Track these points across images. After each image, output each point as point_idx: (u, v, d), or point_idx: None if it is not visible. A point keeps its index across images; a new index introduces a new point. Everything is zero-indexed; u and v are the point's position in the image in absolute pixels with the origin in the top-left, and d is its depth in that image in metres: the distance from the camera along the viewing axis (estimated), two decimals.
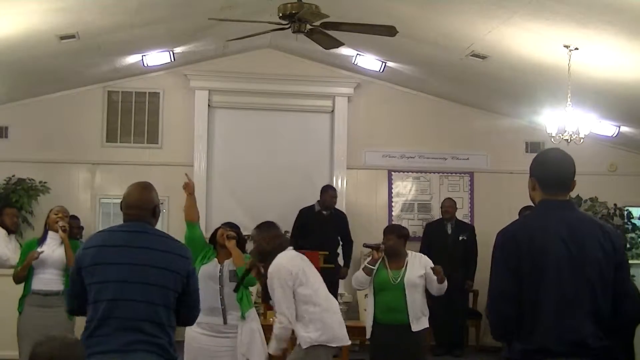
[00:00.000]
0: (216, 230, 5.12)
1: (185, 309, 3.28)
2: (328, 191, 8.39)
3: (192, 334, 4.92)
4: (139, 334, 3.05)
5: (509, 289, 2.72)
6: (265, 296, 4.62)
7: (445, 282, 5.26)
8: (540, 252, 2.70)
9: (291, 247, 4.74)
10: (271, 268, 4.53)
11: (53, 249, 5.34)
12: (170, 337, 3.17)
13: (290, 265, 4.56)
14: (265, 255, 4.57)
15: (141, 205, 3.27)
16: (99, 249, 3.20)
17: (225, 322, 4.85)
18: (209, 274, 4.91)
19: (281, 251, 4.59)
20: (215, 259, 4.99)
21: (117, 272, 3.11)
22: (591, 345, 2.65)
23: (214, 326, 4.86)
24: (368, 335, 5.35)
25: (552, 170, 2.90)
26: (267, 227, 4.72)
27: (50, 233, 5.43)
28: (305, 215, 8.35)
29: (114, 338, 3.02)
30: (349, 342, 4.82)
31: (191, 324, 3.50)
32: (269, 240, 4.61)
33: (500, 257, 2.79)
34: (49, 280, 5.30)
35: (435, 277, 5.20)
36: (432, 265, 5.30)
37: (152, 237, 3.23)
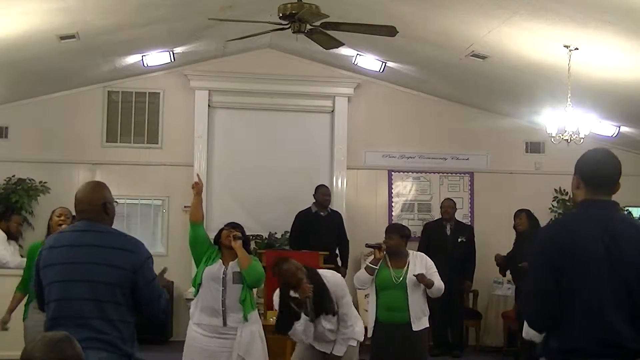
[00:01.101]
0: (220, 231, 5.11)
1: (142, 304, 3.27)
2: (319, 190, 8.39)
3: (192, 334, 4.92)
4: (88, 331, 3.07)
5: (547, 287, 2.72)
6: (283, 326, 4.83)
7: (438, 283, 5.26)
8: (579, 252, 2.69)
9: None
10: (336, 280, 4.90)
11: None
12: (122, 332, 3.17)
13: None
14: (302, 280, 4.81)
15: (89, 202, 3.29)
16: (48, 250, 3.26)
17: (224, 324, 4.83)
18: (212, 275, 4.89)
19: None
20: (220, 260, 4.96)
21: (60, 272, 3.16)
22: (628, 347, 2.64)
23: (213, 327, 4.84)
24: (369, 335, 5.36)
25: (597, 169, 2.88)
26: (289, 259, 4.92)
27: None
28: (303, 218, 8.34)
29: None
30: None
31: (157, 318, 3.44)
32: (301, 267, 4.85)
33: (539, 255, 2.80)
34: None
35: (428, 282, 5.22)
36: (432, 265, 5.31)
37: (97, 235, 3.24)
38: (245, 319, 4.86)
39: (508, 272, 8.14)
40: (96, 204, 3.28)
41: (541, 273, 2.76)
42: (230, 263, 4.93)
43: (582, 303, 2.66)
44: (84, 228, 3.26)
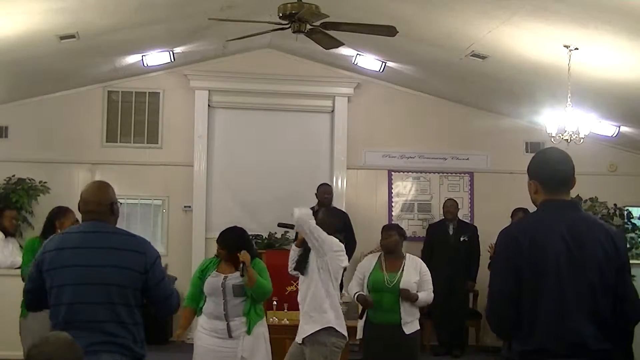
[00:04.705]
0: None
1: (154, 303, 3.28)
2: (320, 189, 8.39)
3: (200, 335, 4.91)
4: (101, 335, 3.06)
5: (509, 289, 2.70)
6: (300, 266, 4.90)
7: (426, 296, 5.25)
8: (541, 252, 2.68)
9: None
10: (334, 260, 4.80)
11: None
12: (135, 335, 3.17)
13: None
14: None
15: (98, 202, 3.26)
16: (56, 252, 3.21)
17: (230, 336, 4.78)
18: (211, 289, 4.84)
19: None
20: (215, 271, 4.90)
21: (73, 274, 3.12)
22: (591, 347, 2.62)
23: (220, 330, 4.82)
24: (359, 335, 5.34)
25: (552, 169, 2.87)
26: (334, 214, 4.97)
27: None
28: None
29: (77, 340, 3.03)
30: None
31: (168, 314, 3.51)
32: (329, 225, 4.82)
33: (501, 256, 2.77)
34: None
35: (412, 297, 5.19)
36: (426, 272, 5.30)
37: (106, 236, 3.21)
38: (249, 332, 4.78)
39: None
40: (104, 204, 3.27)
41: (501, 274, 2.74)
42: (230, 275, 4.85)
43: (545, 304, 2.65)
44: (92, 229, 3.23)
